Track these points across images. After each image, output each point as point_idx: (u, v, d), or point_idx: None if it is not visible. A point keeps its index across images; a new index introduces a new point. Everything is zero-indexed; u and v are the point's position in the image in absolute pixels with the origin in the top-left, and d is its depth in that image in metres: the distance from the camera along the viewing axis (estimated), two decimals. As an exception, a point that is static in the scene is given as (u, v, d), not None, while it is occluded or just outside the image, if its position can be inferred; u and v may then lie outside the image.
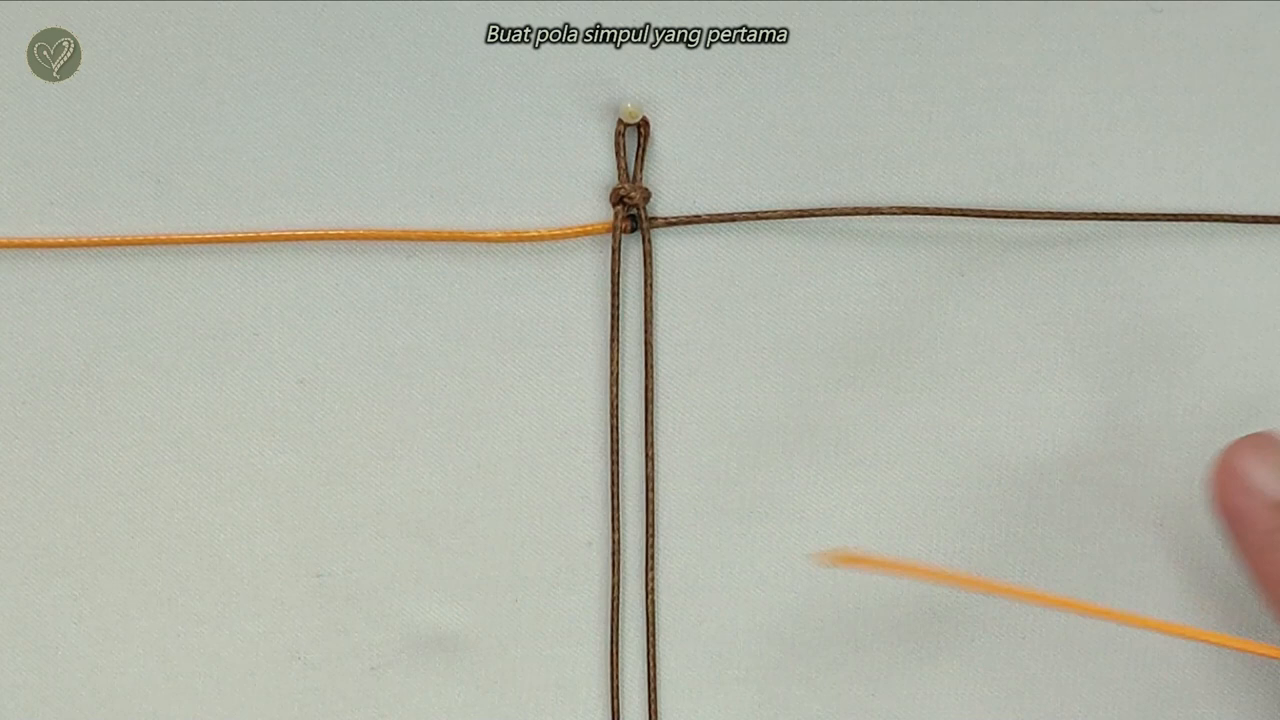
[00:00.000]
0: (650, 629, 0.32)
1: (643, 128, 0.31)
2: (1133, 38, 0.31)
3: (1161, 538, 0.32)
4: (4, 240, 0.31)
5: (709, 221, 0.31)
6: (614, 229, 0.31)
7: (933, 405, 0.32)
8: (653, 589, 0.32)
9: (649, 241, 0.31)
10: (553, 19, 0.30)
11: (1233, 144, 0.32)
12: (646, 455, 0.32)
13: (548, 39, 0.31)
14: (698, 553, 0.32)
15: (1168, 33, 0.31)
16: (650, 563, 0.32)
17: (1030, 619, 0.33)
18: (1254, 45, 0.31)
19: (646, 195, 0.31)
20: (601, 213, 0.31)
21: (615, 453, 0.32)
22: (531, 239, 0.31)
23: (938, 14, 0.31)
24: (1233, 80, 0.31)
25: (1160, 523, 0.32)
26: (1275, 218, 0.32)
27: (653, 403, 0.32)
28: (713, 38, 0.31)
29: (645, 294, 0.31)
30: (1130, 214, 0.31)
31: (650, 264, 0.31)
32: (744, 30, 0.31)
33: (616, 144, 0.31)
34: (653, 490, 0.32)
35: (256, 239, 0.31)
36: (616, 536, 0.32)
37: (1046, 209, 0.31)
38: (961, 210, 0.31)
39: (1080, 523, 0.33)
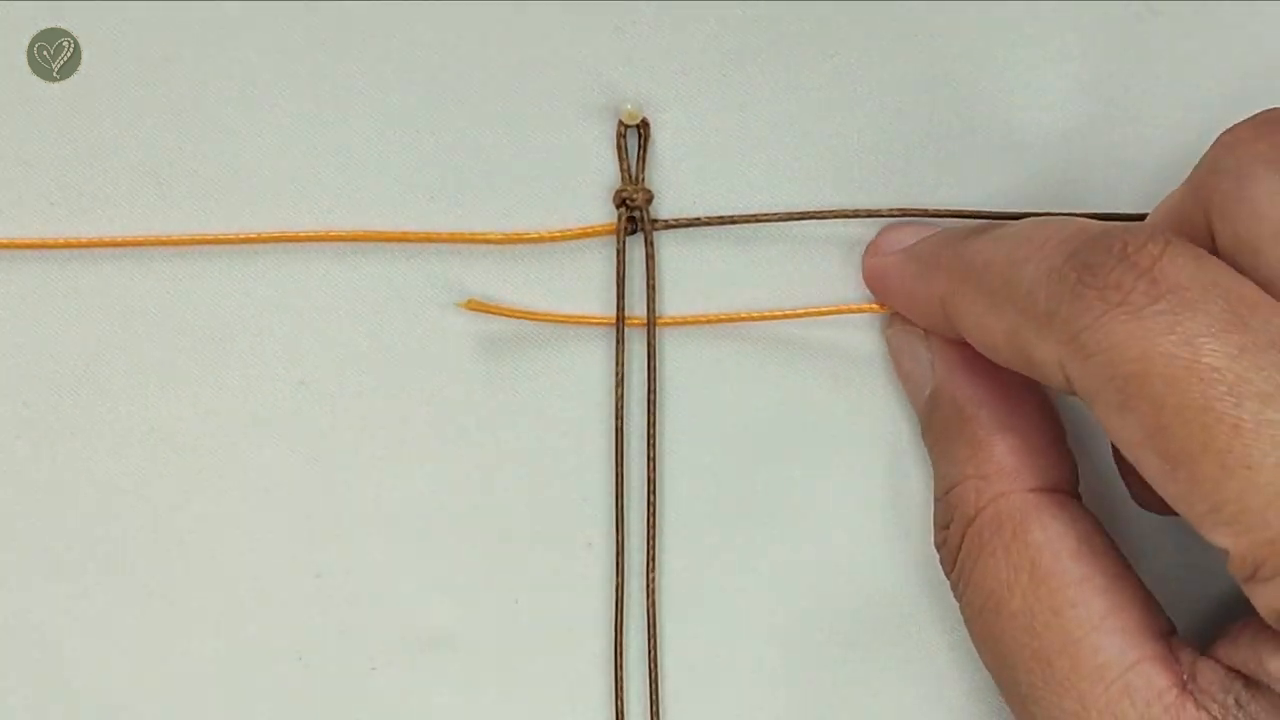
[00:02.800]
0: (651, 629, 0.32)
1: (643, 129, 0.31)
2: (1133, 38, 0.31)
3: (1164, 527, 0.32)
4: (4, 240, 0.31)
5: (709, 224, 0.31)
6: (618, 231, 0.31)
7: (932, 406, 0.32)
8: (654, 589, 0.32)
9: (651, 244, 0.31)
10: (553, 19, 0.30)
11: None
12: (649, 456, 0.32)
13: (547, 39, 0.31)
14: (699, 553, 0.32)
15: (1167, 33, 0.31)
16: (652, 563, 0.32)
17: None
18: (1255, 46, 0.31)
19: (649, 197, 0.31)
20: (602, 214, 0.31)
21: (620, 453, 0.32)
22: (532, 240, 0.31)
23: (938, 14, 0.31)
24: (1233, 81, 0.31)
25: (1162, 520, 0.32)
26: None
27: (655, 404, 0.32)
28: (713, 38, 0.31)
29: (648, 296, 0.31)
30: (1129, 214, 0.31)
31: (653, 266, 0.31)
32: (744, 31, 0.31)
33: (618, 145, 0.31)
34: (654, 491, 0.32)
35: (257, 239, 0.31)
36: (620, 537, 0.32)
37: (1046, 210, 0.31)
38: (960, 211, 0.31)
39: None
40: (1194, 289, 0.24)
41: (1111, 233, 0.25)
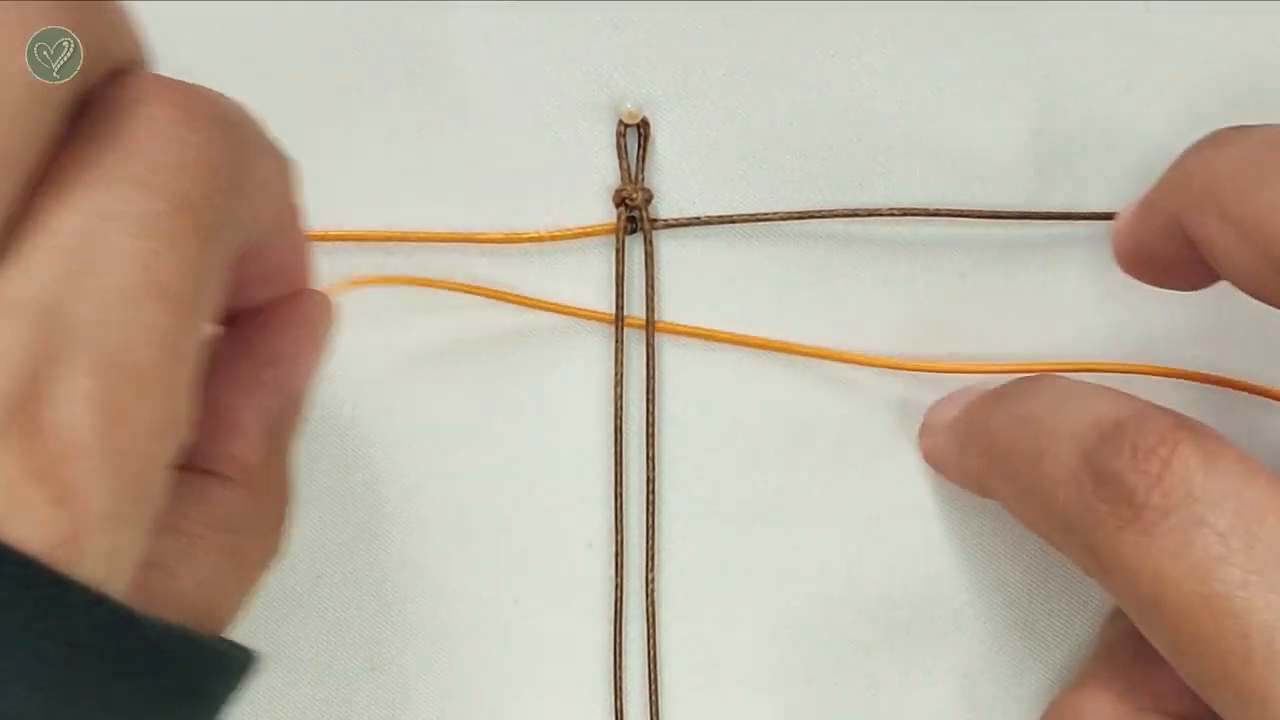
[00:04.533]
0: (651, 629, 0.32)
1: (643, 128, 0.31)
2: (1131, 38, 0.31)
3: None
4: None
5: (709, 224, 0.31)
6: (618, 230, 0.31)
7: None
8: (654, 589, 0.32)
9: (651, 243, 0.31)
10: (553, 19, 0.30)
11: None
12: (648, 456, 0.32)
13: (547, 39, 0.31)
14: (698, 553, 0.32)
15: (1165, 33, 0.31)
16: (651, 563, 0.32)
17: (1033, 621, 0.33)
18: (1253, 45, 0.31)
19: (649, 196, 0.31)
20: (601, 214, 0.31)
21: (619, 453, 0.32)
22: (532, 240, 0.31)
23: (937, 15, 0.31)
24: (1232, 81, 0.31)
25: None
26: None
27: (655, 403, 0.32)
28: (713, 38, 0.31)
29: (648, 295, 0.31)
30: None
31: (653, 265, 0.31)
32: (744, 31, 0.31)
33: (618, 145, 0.31)
34: (654, 491, 0.32)
35: (256, 239, 0.31)
36: (620, 537, 0.32)
37: (1047, 209, 0.31)
38: (962, 211, 0.31)
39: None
40: (1203, 501, 0.24)
41: (1124, 428, 0.25)
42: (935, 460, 0.32)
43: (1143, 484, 0.25)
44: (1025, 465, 0.27)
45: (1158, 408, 0.26)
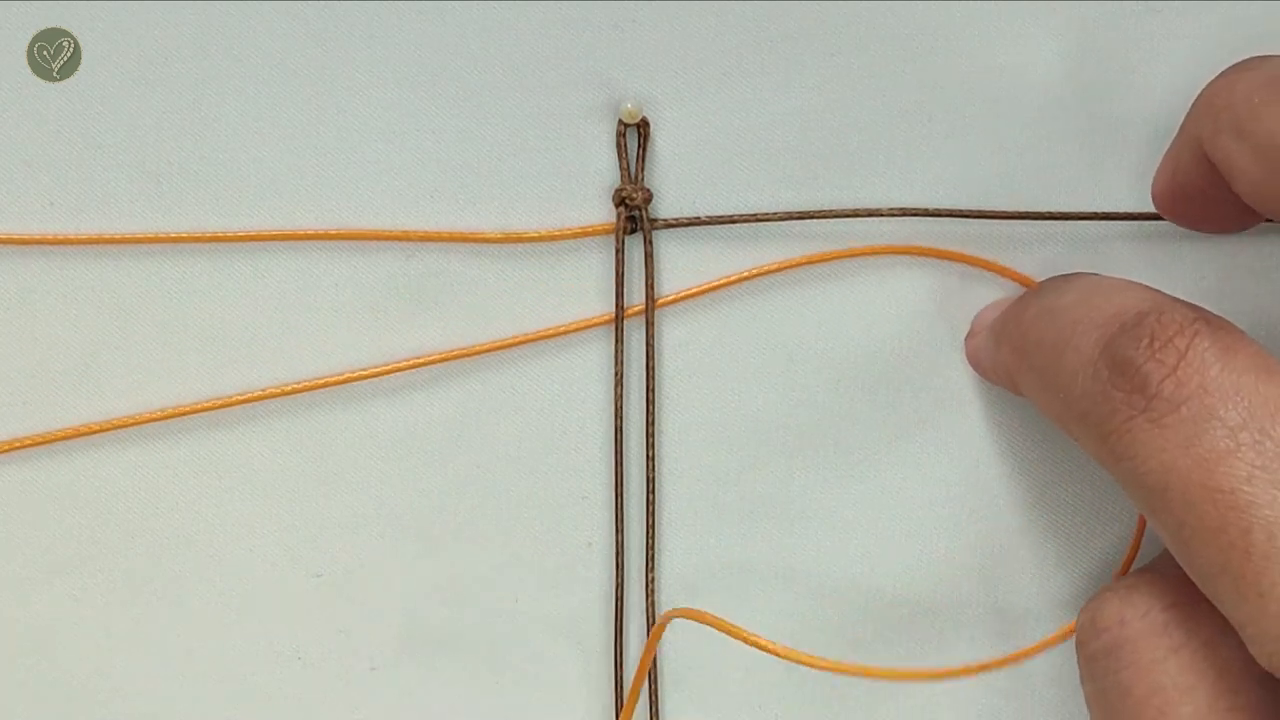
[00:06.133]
0: (651, 629, 0.32)
1: (642, 128, 0.31)
2: (1133, 38, 0.31)
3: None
4: (4, 239, 0.31)
5: (709, 224, 0.31)
6: (618, 230, 0.31)
7: (933, 404, 0.32)
8: (653, 589, 0.32)
9: (651, 243, 0.31)
10: (552, 18, 0.30)
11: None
12: (648, 456, 0.32)
13: (547, 38, 0.31)
14: (698, 553, 0.32)
15: (1167, 33, 0.31)
16: (651, 563, 0.32)
17: (1035, 624, 0.33)
18: (1254, 47, 0.31)
19: (648, 196, 0.31)
20: (601, 213, 0.31)
21: (619, 453, 0.32)
22: (532, 239, 0.31)
23: (938, 14, 0.31)
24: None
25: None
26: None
27: (655, 403, 0.32)
28: (713, 38, 0.31)
29: (647, 295, 0.31)
30: (1129, 214, 0.31)
31: (652, 265, 0.31)
32: (744, 31, 0.31)
33: (618, 145, 0.31)
34: (654, 491, 0.32)
35: (256, 238, 0.31)
36: (620, 538, 0.32)
37: (1046, 210, 0.31)
38: (961, 211, 0.31)
39: (1082, 520, 0.33)
40: (1215, 394, 0.24)
41: (1144, 320, 0.25)
42: (975, 360, 0.32)
43: (1157, 374, 0.25)
44: (1049, 356, 0.27)
45: (1181, 301, 0.26)
